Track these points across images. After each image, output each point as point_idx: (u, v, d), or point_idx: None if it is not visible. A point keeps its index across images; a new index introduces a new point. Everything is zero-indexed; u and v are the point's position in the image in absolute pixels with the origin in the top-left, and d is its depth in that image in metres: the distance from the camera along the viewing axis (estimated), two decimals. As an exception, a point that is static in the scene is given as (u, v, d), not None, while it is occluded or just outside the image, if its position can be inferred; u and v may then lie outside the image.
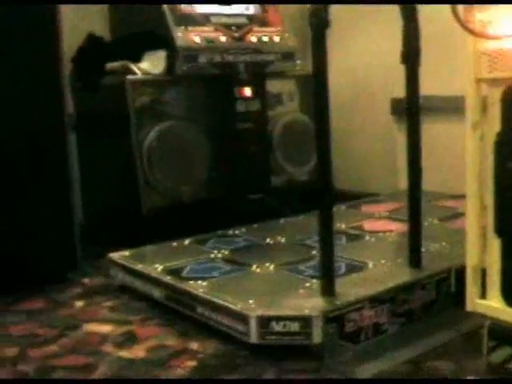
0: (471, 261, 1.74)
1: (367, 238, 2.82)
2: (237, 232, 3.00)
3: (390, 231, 2.88)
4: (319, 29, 1.91)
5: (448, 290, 2.27)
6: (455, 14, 1.67)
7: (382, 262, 2.43)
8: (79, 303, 2.58)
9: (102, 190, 3.42)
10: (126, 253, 2.75)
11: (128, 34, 3.46)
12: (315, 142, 2.07)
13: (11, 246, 2.65)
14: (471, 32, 1.71)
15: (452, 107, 3.36)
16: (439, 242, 2.61)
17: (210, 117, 3.30)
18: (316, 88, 1.96)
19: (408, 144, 2.31)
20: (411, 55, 2.25)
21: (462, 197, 2.36)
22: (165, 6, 3.21)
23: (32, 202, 2.70)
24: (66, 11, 2.83)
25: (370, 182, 4.03)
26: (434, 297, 2.24)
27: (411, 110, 2.30)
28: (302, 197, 3.55)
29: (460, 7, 1.70)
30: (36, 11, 2.66)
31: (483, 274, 1.74)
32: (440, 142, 3.53)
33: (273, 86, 3.53)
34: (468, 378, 1.64)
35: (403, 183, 3.03)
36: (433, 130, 3.37)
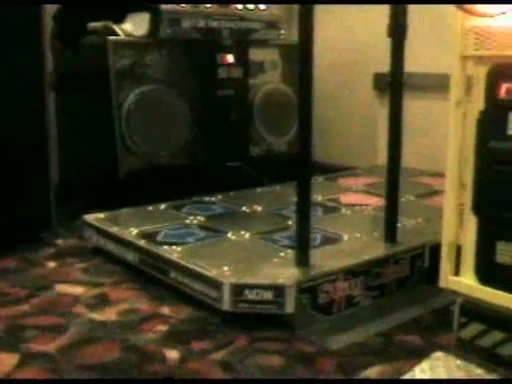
0: (447, 238, 1.75)
1: (343, 210, 2.82)
2: (213, 199, 2.99)
3: (367, 205, 2.88)
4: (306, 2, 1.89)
5: (422, 265, 2.28)
6: (444, -12, 1.66)
7: (358, 235, 2.44)
8: (52, 264, 2.56)
9: (79, 151, 3.38)
10: (101, 215, 2.73)
11: None
12: (297, 113, 2.06)
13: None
14: (461, 8, 1.69)
15: (435, 85, 3.37)
16: (415, 219, 2.62)
17: (191, 82, 3.27)
18: (301, 59, 1.95)
19: (389, 119, 2.31)
20: (398, 29, 2.23)
21: (439, 175, 2.37)
22: (150, -32, 3.17)
23: (7, 160, 2.66)
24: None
25: (349, 155, 4.04)
26: (408, 272, 2.26)
27: (394, 84, 2.29)
28: (279, 167, 3.55)
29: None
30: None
31: (457, 251, 1.75)
32: (420, 120, 3.53)
33: (256, 54, 3.50)
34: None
35: (382, 158, 3.05)
36: (414, 107, 3.38)
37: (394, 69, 2.28)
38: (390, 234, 2.34)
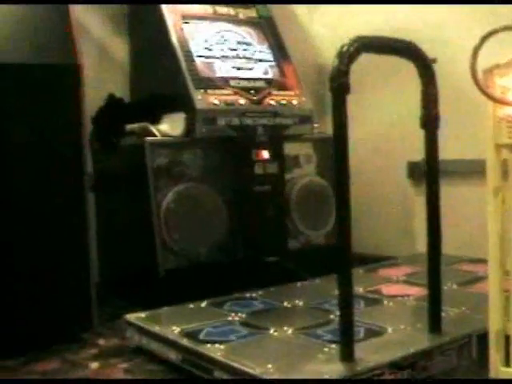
0: (494, 326, 1.72)
1: (385, 302, 2.79)
2: (254, 295, 2.98)
3: (409, 295, 2.85)
4: (339, 94, 1.92)
5: (469, 356, 2.23)
6: (475, 79, 1.68)
7: (402, 327, 2.40)
8: (94, 364, 2.55)
9: (118, 251, 3.42)
10: (143, 314, 2.73)
11: (148, 96, 3.51)
12: (334, 205, 2.07)
13: (26, 304, 2.63)
14: (491, 98, 1.72)
15: (471, 171, 3.37)
16: (459, 307, 2.58)
17: (228, 179, 3.31)
18: (336, 152, 1.97)
19: (427, 208, 2.30)
20: (430, 120, 2.26)
21: (481, 261, 2.35)
22: (184, 70, 3.26)
23: (49, 261, 2.69)
24: (88, 72, 2.87)
25: (387, 245, 4.01)
26: (455, 363, 2.21)
27: (430, 174, 2.30)
28: (318, 260, 3.54)
29: (480, 72, 1.71)
30: (60, 71, 2.71)
31: (506, 340, 1.71)
32: (458, 206, 3.52)
33: (290, 148, 3.56)
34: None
35: (420, 246, 3.03)
36: (451, 194, 3.37)
37: (428, 159, 2.30)
38: (435, 324, 2.30)
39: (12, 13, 2.72)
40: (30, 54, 2.69)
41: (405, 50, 2.18)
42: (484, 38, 1.67)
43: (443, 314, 2.34)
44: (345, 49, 1.96)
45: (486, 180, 1.76)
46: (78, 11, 2.97)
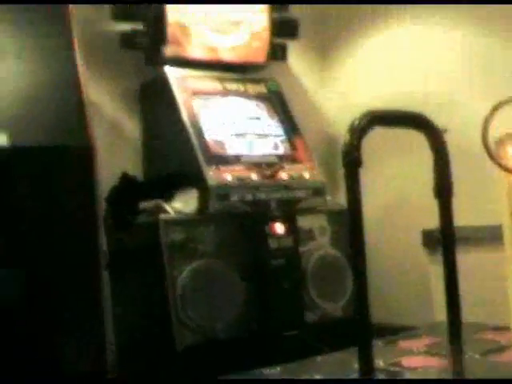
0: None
1: (407, 375, 2.73)
2: (273, 371, 2.94)
3: (431, 367, 2.80)
4: (352, 169, 1.93)
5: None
6: (487, 149, 1.69)
7: (425, 400, 2.36)
8: None
9: (134, 327, 3.39)
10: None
11: (160, 174, 3.54)
12: (350, 276, 2.06)
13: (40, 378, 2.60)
14: (503, 168, 1.72)
15: (486, 236, 3.35)
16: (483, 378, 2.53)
17: (243, 254, 3.31)
18: (351, 225, 1.97)
19: (445, 277, 2.28)
20: (444, 189, 2.26)
21: (503, 329, 2.31)
22: (196, 147, 3.30)
23: (64, 337, 2.67)
24: (101, 150, 2.90)
25: (406, 314, 3.96)
26: None
27: (447, 242, 2.28)
28: (337, 333, 3.49)
29: (492, 142, 1.72)
30: (73, 152, 2.75)
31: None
32: (475, 273, 3.48)
33: (304, 221, 3.55)
34: None
35: (440, 314, 2.99)
36: (467, 260, 3.34)
37: (444, 227, 2.29)
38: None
39: (26, 93, 2.78)
40: (44, 136, 2.74)
41: (415, 121, 2.20)
42: (495, 109, 1.68)
43: (467, 386, 2.30)
44: (356, 123, 1.98)
45: (502, 246, 1.75)
46: (90, 89, 3.02)
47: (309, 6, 4.38)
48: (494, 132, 1.81)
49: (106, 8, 3.51)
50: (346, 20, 4.39)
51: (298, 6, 4.10)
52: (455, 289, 2.26)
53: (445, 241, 2.28)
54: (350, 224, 1.98)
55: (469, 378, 1.51)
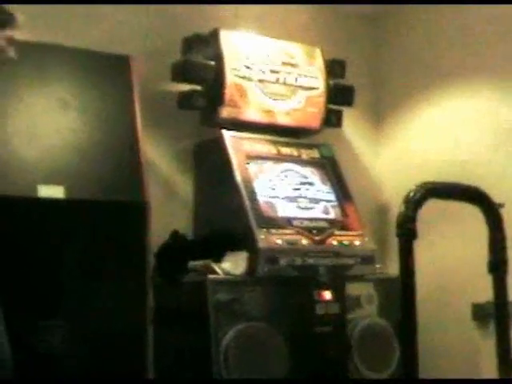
0: None
1: None
2: None
3: None
4: (407, 240, 1.93)
5: None
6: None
7: None
8: None
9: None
10: None
11: (211, 233, 3.56)
12: (398, 347, 2.03)
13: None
14: None
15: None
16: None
17: (289, 319, 3.28)
18: (403, 298, 1.95)
19: (497, 353, 2.24)
20: (498, 265, 2.23)
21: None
22: (248, 209, 3.32)
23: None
24: (153, 207, 2.94)
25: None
26: None
27: (500, 319, 2.25)
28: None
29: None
30: (128, 208, 2.79)
31: None
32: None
33: (352, 288, 3.52)
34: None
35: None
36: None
37: (497, 304, 2.25)
38: None
39: (85, 148, 2.85)
40: (100, 191, 2.79)
41: (471, 195, 2.19)
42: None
43: None
44: (411, 195, 1.98)
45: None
46: (146, 148, 3.08)
47: (365, 74, 4.43)
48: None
49: (167, 66, 3.58)
50: (402, 89, 4.43)
51: (354, 72, 4.13)
52: (508, 365, 2.21)
53: (498, 316, 2.25)
54: (402, 296, 1.96)
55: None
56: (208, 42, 3.67)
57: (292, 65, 3.85)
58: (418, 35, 4.34)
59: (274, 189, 3.53)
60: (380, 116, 4.55)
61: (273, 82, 3.76)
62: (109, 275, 2.75)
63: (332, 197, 3.71)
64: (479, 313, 3.71)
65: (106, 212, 2.79)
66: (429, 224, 3.62)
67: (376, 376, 3.51)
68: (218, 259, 3.31)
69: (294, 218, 3.44)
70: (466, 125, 4.01)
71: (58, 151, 2.80)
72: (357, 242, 3.52)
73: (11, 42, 2.21)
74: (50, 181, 2.70)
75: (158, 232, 3.34)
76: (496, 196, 2.26)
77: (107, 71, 3.12)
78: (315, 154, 3.86)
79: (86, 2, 3.44)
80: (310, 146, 3.89)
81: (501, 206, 2.23)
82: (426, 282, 3.82)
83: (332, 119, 4.02)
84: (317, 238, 3.40)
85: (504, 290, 2.24)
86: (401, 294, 1.94)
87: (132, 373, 2.79)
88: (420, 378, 1.62)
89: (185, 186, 3.82)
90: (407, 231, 1.91)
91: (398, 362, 3.51)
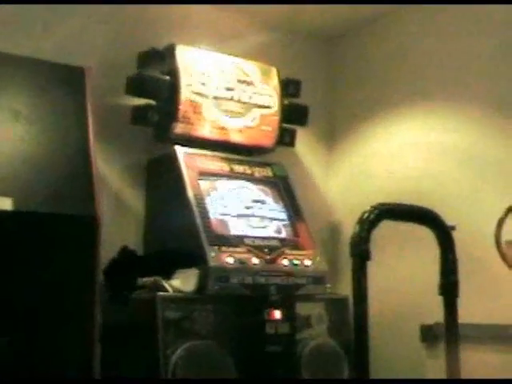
0: None
1: None
2: None
3: None
4: (360, 261, 1.93)
5: None
6: (499, 250, 1.69)
7: None
8: None
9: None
10: None
11: (161, 250, 3.52)
12: (348, 367, 2.03)
13: None
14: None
15: (490, 336, 3.30)
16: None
17: (239, 338, 3.25)
18: (356, 318, 1.95)
19: (447, 374, 2.25)
20: (449, 287, 2.25)
21: None
22: (199, 226, 3.30)
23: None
24: (103, 222, 2.89)
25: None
26: None
27: (450, 340, 2.27)
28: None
29: (504, 243, 1.72)
30: (78, 221, 2.74)
31: None
32: (477, 372, 3.42)
33: (302, 308, 3.51)
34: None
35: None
36: (469, 359, 3.30)
37: (448, 326, 2.27)
38: None
39: (34, 159, 2.79)
40: (49, 204, 2.73)
41: (424, 217, 2.21)
42: (509, 210, 1.69)
43: None
44: (366, 215, 1.99)
45: (505, 345, 1.72)
46: (98, 162, 3.03)
47: (319, 94, 4.46)
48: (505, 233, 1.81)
49: (122, 80, 3.54)
50: (356, 110, 4.46)
51: (309, 92, 4.15)
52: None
53: (448, 338, 2.26)
54: (354, 315, 1.96)
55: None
56: (164, 56, 3.65)
57: (247, 83, 3.86)
58: (374, 58, 4.39)
59: (226, 206, 3.51)
60: (333, 136, 4.58)
61: (227, 99, 3.76)
62: (56, 290, 2.69)
63: (284, 216, 3.71)
64: (428, 334, 3.73)
65: (56, 225, 2.72)
66: (381, 245, 3.68)
67: (324, 397, 3.51)
68: (168, 276, 3.28)
69: (246, 237, 3.42)
70: (418, 148, 4.05)
71: (7, 162, 2.73)
72: (308, 262, 3.52)
73: None
74: (-3, 192, 2.64)
75: (108, 247, 3.27)
76: (448, 218, 2.28)
77: (61, 82, 3.07)
78: (268, 172, 3.86)
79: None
80: (262, 165, 3.89)
81: (453, 228, 2.26)
82: (376, 302, 3.86)
83: (285, 138, 4.03)
84: (268, 257, 3.39)
85: (454, 312, 2.26)
86: (353, 314, 1.94)
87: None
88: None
89: (136, 201, 3.78)
90: (361, 252, 1.92)
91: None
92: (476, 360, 3.41)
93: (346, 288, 2.08)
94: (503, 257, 1.66)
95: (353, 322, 1.98)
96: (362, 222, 1.97)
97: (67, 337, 2.68)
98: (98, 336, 3.11)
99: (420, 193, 3.61)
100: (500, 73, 3.65)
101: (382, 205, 2.03)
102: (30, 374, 2.58)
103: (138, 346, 3.26)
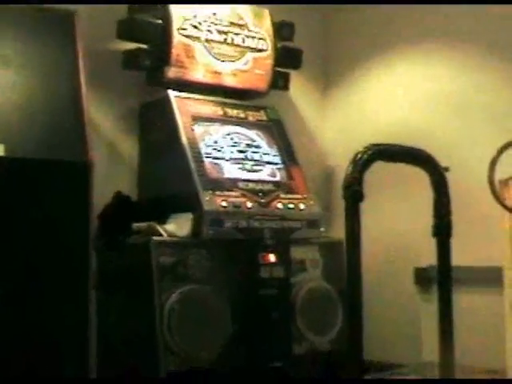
0: None
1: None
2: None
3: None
4: (353, 202, 1.91)
5: None
6: (492, 189, 1.68)
7: None
8: None
9: (120, 350, 3.33)
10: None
11: (155, 195, 3.51)
12: (341, 310, 2.03)
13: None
14: (508, 209, 1.70)
15: (483, 278, 3.32)
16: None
17: (233, 282, 3.27)
18: (349, 260, 1.94)
19: (439, 316, 2.25)
20: (442, 229, 2.24)
21: (492, 372, 2.27)
22: (193, 170, 3.29)
23: (49, 359, 2.63)
24: (97, 168, 2.87)
25: (393, 351, 3.92)
26: None
27: (443, 282, 2.26)
28: (323, 366, 3.45)
29: (497, 182, 1.71)
30: (71, 167, 2.72)
31: None
32: (470, 314, 3.45)
33: (297, 252, 3.52)
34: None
35: (427, 354, 2.95)
36: (462, 301, 3.32)
37: (441, 268, 2.26)
38: None
39: (26, 105, 2.76)
40: (42, 150, 2.71)
41: (418, 158, 2.19)
42: (502, 149, 1.67)
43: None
44: (359, 156, 1.97)
45: (497, 288, 1.72)
46: (90, 108, 3.00)
47: (313, 37, 4.41)
48: (498, 173, 1.80)
49: (113, 24, 3.49)
50: (350, 53, 4.41)
51: (303, 36, 4.10)
52: (449, 329, 2.23)
53: (441, 280, 2.26)
54: (347, 258, 1.95)
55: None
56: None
57: (240, 26, 3.81)
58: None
59: (219, 150, 3.49)
60: (327, 80, 4.54)
61: (220, 43, 3.71)
62: (50, 236, 2.68)
63: (278, 160, 3.70)
64: (421, 277, 3.75)
65: (48, 171, 2.71)
66: (375, 188, 3.67)
67: (318, 339, 3.54)
68: (163, 221, 3.28)
69: (240, 180, 3.41)
70: (412, 92, 4.03)
71: (-2, 108, 2.72)
72: (302, 206, 3.52)
73: None
74: (-11, 138, 2.62)
75: (102, 194, 3.28)
76: (442, 160, 2.26)
77: (51, 27, 3.02)
78: (262, 116, 3.84)
79: None
80: (256, 109, 3.86)
81: (446, 169, 2.24)
82: (370, 245, 3.87)
83: (279, 82, 3.99)
84: (262, 200, 3.38)
85: (447, 254, 2.25)
86: (346, 255, 1.93)
87: (74, 337, 2.73)
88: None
89: (129, 146, 3.75)
90: (354, 193, 1.90)
91: (340, 325, 3.54)
92: (469, 303, 3.44)
93: (340, 232, 2.06)
94: (496, 196, 1.65)
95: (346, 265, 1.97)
96: (355, 162, 1.95)
97: (61, 284, 2.69)
98: (93, 283, 3.12)
99: (414, 136, 3.58)
100: (492, 18, 3.61)
101: (376, 145, 2.01)
102: (24, 322, 2.59)
103: (133, 292, 3.27)
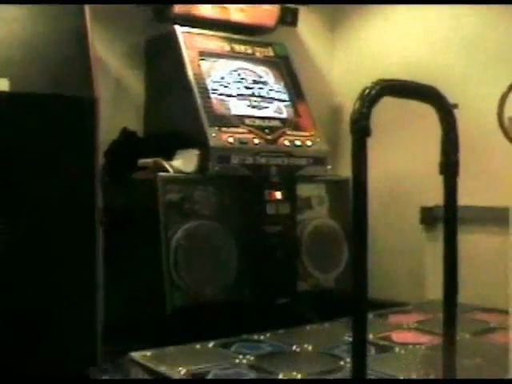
0: (513, 381, 1.67)
1: (397, 349, 2.73)
2: (262, 337, 2.92)
3: (420, 344, 2.79)
4: (360, 137, 1.89)
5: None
6: (502, 126, 1.66)
7: (414, 376, 2.34)
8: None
9: (126, 286, 3.36)
10: (148, 353, 2.66)
11: (161, 131, 3.50)
12: (347, 248, 2.03)
13: (31, 339, 2.58)
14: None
15: (489, 218, 3.32)
16: (473, 358, 2.52)
17: (239, 218, 3.28)
18: (355, 197, 1.93)
19: (444, 255, 2.25)
20: (450, 167, 2.22)
21: (493, 310, 2.28)
22: (200, 106, 3.26)
23: (55, 295, 2.65)
24: (103, 104, 2.85)
25: (398, 290, 3.95)
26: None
27: (449, 221, 2.25)
28: (328, 303, 3.48)
29: (506, 120, 1.69)
30: (76, 103, 2.70)
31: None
32: (475, 254, 3.46)
33: (303, 189, 3.52)
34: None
35: (430, 292, 2.97)
36: (468, 241, 3.32)
37: (447, 206, 2.25)
38: (449, 374, 2.23)
39: (31, 41, 2.72)
40: (47, 85, 2.68)
41: (426, 94, 2.15)
42: (512, 86, 1.64)
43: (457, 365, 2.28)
44: (367, 92, 1.93)
45: (504, 228, 1.72)
46: (96, 44, 2.96)
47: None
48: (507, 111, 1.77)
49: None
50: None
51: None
52: (454, 268, 2.23)
53: (447, 219, 2.25)
54: (353, 194, 1.94)
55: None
56: None
57: (248, -41, 3.73)
58: None
59: (226, 86, 3.46)
60: (336, 16, 4.46)
61: (227, -23, 3.64)
62: (56, 172, 2.67)
63: (285, 96, 3.67)
64: (427, 216, 3.75)
65: (54, 107, 2.68)
66: (382, 127, 3.64)
67: (323, 276, 3.56)
68: (169, 157, 3.27)
69: (247, 117, 3.39)
70: (422, 29, 3.96)
71: (2, 42, 2.68)
72: (309, 143, 3.50)
73: None
74: (-6, 73, 2.59)
75: (108, 130, 3.27)
76: (451, 97, 2.24)
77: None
78: (269, 52, 3.79)
79: None
80: (264, 44, 3.82)
81: (455, 106, 2.21)
82: (376, 184, 3.85)
83: (287, 17, 3.92)
84: (269, 137, 3.37)
85: (454, 192, 2.24)
86: (352, 193, 1.92)
87: (81, 273, 2.75)
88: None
89: (135, 82, 3.72)
90: (361, 128, 1.88)
91: (346, 262, 3.56)
92: (474, 242, 3.44)
93: (347, 170, 2.05)
94: (506, 133, 1.63)
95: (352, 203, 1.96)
96: (362, 98, 1.92)
97: (68, 221, 2.69)
98: (100, 218, 3.12)
99: (423, 74, 3.53)
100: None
101: (384, 81, 1.97)
102: (32, 259, 2.60)
103: (139, 227, 3.28)
